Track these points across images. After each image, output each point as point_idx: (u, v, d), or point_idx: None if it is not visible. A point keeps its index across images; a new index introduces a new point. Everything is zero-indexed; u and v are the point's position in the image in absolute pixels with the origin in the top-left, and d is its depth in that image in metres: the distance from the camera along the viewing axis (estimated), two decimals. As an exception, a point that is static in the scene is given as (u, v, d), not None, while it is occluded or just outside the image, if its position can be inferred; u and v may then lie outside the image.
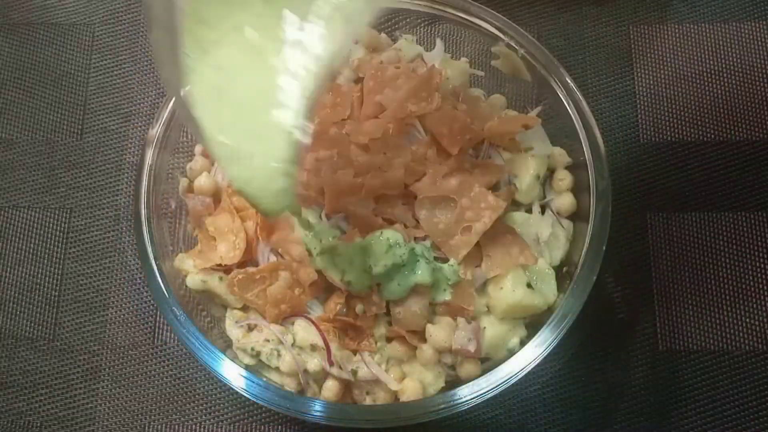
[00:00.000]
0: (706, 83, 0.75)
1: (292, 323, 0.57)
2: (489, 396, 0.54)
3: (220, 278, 0.59)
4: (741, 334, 0.67)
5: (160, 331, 0.69)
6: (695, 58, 0.76)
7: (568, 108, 0.61)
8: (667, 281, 0.69)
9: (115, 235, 0.73)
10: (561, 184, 0.62)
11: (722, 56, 0.76)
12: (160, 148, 0.61)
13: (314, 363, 0.56)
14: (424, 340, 0.56)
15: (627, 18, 0.78)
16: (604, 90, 0.75)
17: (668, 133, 0.74)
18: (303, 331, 0.56)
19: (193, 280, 0.58)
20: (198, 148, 0.65)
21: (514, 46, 0.63)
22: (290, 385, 0.57)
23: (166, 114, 0.61)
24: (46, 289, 0.71)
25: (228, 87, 0.42)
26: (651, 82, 0.75)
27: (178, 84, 0.43)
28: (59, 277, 0.72)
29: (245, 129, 0.43)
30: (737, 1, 0.77)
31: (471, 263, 0.57)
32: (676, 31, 0.77)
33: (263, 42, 0.42)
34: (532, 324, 0.58)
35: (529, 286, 0.57)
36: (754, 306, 0.68)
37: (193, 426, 0.66)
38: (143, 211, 0.58)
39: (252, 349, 0.57)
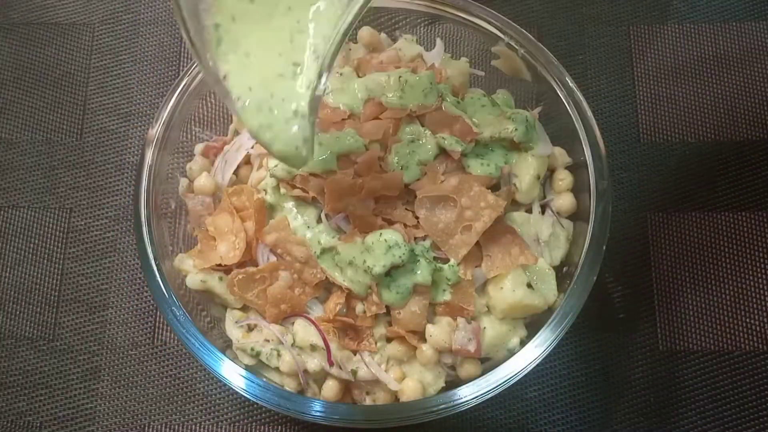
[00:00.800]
0: (706, 83, 0.75)
1: (292, 323, 0.57)
2: (489, 396, 0.54)
3: (220, 278, 0.59)
4: (741, 334, 0.67)
5: (160, 331, 0.69)
6: (695, 58, 0.76)
7: (568, 108, 0.61)
8: (667, 281, 0.69)
9: (114, 235, 0.73)
10: (561, 184, 0.62)
11: (722, 56, 0.76)
12: (160, 148, 0.61)
13: (314, 363, 0.56)
14: (424, 340, 0.56)
15: (627, 18, 0.78)
16: (604, 90, 0.75)
17: (668, 133, 0.74)
18: (303, 331, 0.56)
19: (193, 280, 0.58)
20: (198, 148, 0.65)
21: (514, 46, 0.63)
22: (290, 385, 0.57)
23: (165, 114, 0.61)
24: (45, 289, 0.71)
25: (253, 52, 0.48)
26: (651, 82, 0.75)
27: (205, 50, 0.48)
28: (59, 277, 0.72)
29: (269, 84, 0.48)
30: (737, 1, 0.77)
31: (471, 263, 0.57)
32: (676, 31, 0.77)
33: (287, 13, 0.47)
34: (532, 324, 0.58)
35: (529, 286, 0.57)
36: (754, 306, 0.68)
37: (193, 426, 0.66)
38: (143, 211, 0.58)
39: (252, 349, 0.57)
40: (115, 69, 0.79)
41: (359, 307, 0.57)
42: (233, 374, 0.54)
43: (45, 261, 0.72)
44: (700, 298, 0.68)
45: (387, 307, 0.57)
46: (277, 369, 0.57)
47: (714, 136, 0.73)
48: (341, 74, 0.62)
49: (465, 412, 0.54)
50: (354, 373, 0.56)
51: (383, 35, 0.68)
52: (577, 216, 0.62)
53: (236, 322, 0.59)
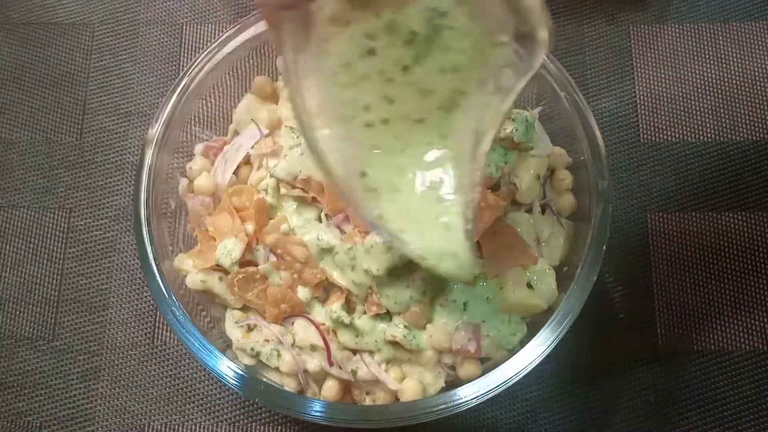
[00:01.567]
0: (706, 83, 0.75)
1: (292, 323, 0.57)
2: (489, 396, 0.54)
3: (220, 278, 0.59)
4: (741, 334, 0.67)
5: (160, 331, 0.69)
6: (695, 58, 0.76)
7: (568, 108, 0.61)
8: (667, 281, 0.69)
9: (114, 235, 0.73)
10: (561, 184, 0.62)
11: (722, 56, 0.76)
12: (160, 148, 0.61)
13: (314, 363, 0.56)
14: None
15: (627, 18, 0.78)
16: (604, 90, 0.75)
17: (668, 133, 0.74)
18: (303, 331, 0.56)
19: (193, 280, 0.58)
20: (198, 148, 0.65)
21: (514, 46, 0.63)
22: (290, 385, 0.57)
23: (165, 114, 0.61)
24: (45, 289, 0.71)
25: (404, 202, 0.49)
26: (651, 82, 0.75)
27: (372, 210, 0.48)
28: (59, 277, 0.72)
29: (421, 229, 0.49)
30: (737, 1, 0.77)
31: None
32: (676, 31, 0.77)
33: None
34: (532, 324, 0.58)
35: (529, 286, 0.57)
36: (754, 306, 0.68)
37: (193, 426, 0.66)
38: (143, 211, 0.58)
39: (252, 349, 0.57)
40: (114, 69, 0.79)
41: (359, 307, 0.57)
42: (233, 374, 0.54)
43: (45, 261, 0.72)
44: (700, 298, 0.68)
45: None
46: (277, 369, 0.57)
47: (714, 136, 0.73)
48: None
49: (465, 412, 0.54)
50: (354, 373, 0.56)
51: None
52: (577, 216, 0.62)
53: (236, 322, 0.59)
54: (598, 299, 0.66)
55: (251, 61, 0.64)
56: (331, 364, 0.56)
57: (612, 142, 0.73)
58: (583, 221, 0.60)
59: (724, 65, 0.75)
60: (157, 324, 0.70)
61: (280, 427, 0.66)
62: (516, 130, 0.59)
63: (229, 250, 0.57)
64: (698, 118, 0.74)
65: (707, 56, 0.76)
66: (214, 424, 0.66)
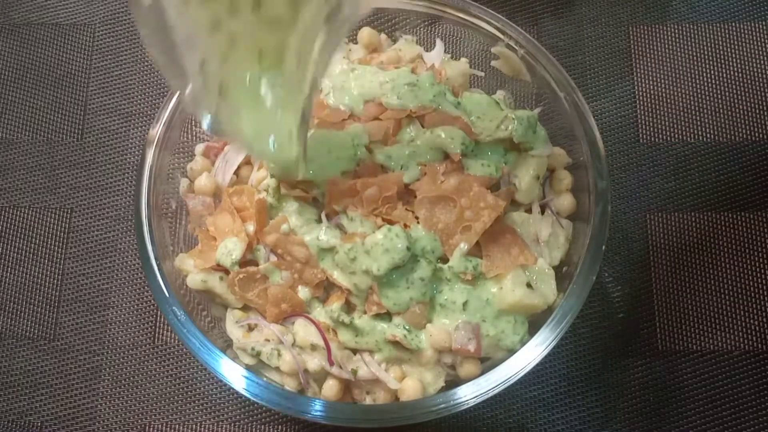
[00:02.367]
0: (706, 83, 0.75)
1: (293, 323, 0.58)
2: (489, 396, 0.54)
3: (221, 278, 0.59)
4: (741, 334, 0.67)
5: (161, 331, 0.70)
6: (695, 58, 0.76)
7: (568, 108, 0.61)
8: (667, 281, 0.69)
9: (115, 235, 0.73)
10: (561, 184, 0.62)
11: (722, 56, 0.76)
12: (161, 148, 0.61)
13: (314, 362, 0.56)
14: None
15: (627, 18, 0.78)
16: (604, 90, 0.75)
17: (668, 133, 0.74)
18: (303, 330, 0.57)
19: (194, 280, 0.59)
20: (198, 149, 0.65)
21: (514, 46, 0.63)
22: (290, 384, 0.57)
23: (166, 114, 0.61)
24: (46, 289, 0.71)
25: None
26: (651, 82, 0.75)
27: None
28: (60, 276, 0.72)
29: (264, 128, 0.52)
30: (737, 1, 0.77)
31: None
32: (676, 31, 0.77)
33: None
34: (532, 324, 0.58)
35: (529, 286, 0.57)
36: (754, 306, 0.68)
37: (193, 426, 0.67)
38: (144, 211, 0.58)
39: (252, 348, 0.57)
40: (115, 69, 0.79)
41: (359, 307, 0.57)
42: (234, 374, 0.54)
43: (46, 261, 0.72)
44: (700, 298, 0.68)
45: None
46: (277, 369, 0.57)
47: (714, 136, 0.73)
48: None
49: (465, 411, 0.55)
50: (354, 372, 0.56)
51: (383, 36, 0.68)
52: (576, 216, 0.62)
53: (237, 321, 0.59)
54: (597, 299, 0.67)
55: (252, 61, 0.65)
56: (331, 363, 0.56)
57: (611, 142, 0.73)
58: (582, 221, 0.60)
59: (723, 66, 0.75)
60: (157, 324, 0.70)
61: (280, 427, 0.66)
62: (516, 130, 0.59)
63: (230, 250, 0.58)
64: (698, 118, 0.74)
65: (706, 57, 0.76)
66: (215, 424, 0.66)
